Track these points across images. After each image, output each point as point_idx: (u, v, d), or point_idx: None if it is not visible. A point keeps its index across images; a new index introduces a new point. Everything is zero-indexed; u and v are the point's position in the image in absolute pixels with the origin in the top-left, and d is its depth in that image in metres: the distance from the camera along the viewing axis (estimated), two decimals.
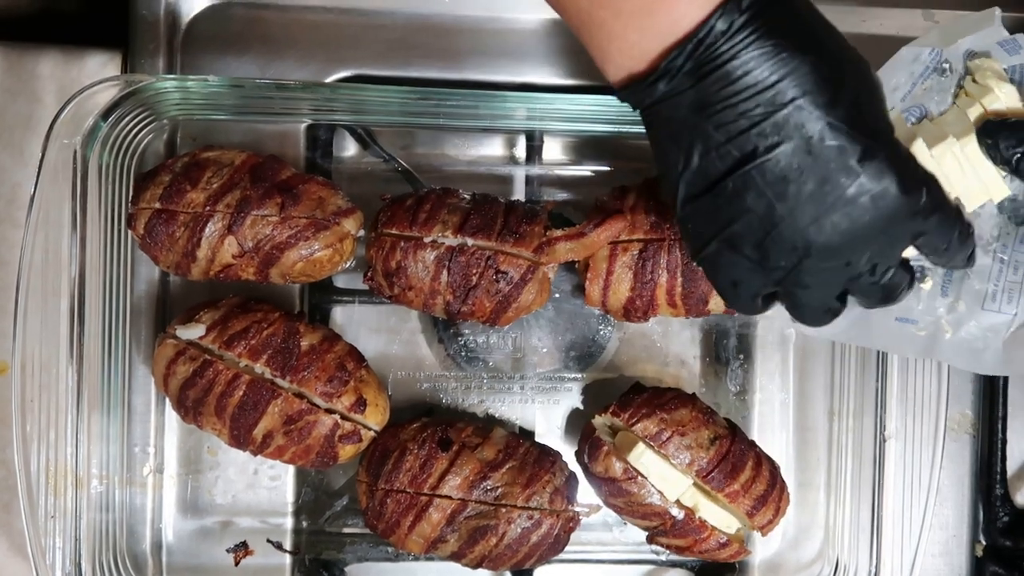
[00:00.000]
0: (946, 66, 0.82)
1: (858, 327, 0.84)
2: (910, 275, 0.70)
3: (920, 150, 0.80)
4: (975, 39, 0.81)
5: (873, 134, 0.63)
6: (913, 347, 0.85)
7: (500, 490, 0.88)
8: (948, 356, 0.84)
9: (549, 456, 0.92)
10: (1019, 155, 0.78)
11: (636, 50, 0.63)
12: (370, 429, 0.90)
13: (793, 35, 0.61)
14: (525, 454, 0.91)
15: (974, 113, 0.81)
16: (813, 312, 0.69)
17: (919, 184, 0.64)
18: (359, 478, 0.92)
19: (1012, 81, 0.81)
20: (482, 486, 0.88)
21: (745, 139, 0.62)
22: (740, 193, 0.63)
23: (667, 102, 0.64)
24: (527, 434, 0.99)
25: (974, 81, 0.81)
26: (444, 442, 0.90)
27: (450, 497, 0.88)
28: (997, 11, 0.80)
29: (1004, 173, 0.81)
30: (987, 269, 0.84)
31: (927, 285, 0.84)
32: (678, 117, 0.64)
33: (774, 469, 0.92)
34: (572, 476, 0.93)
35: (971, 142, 0.79)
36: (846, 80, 0.62)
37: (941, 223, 0.66)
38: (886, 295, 0.69)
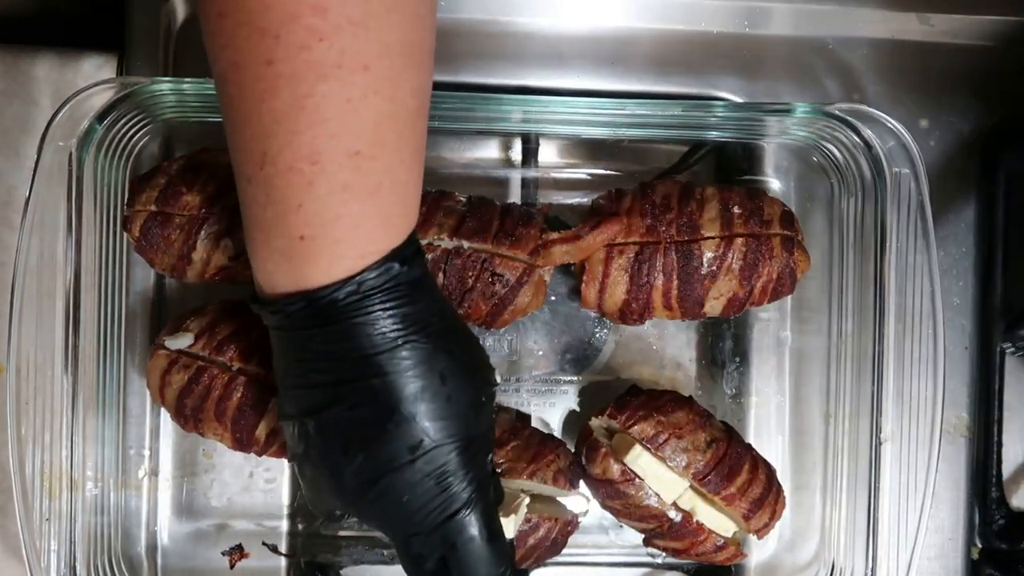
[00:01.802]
0: None
1: None
2: None
3: None
4: None
5: (439, 429, 0.67)
6: None
7: (504, 466, 0.88)
8: None
9: (554, 440, 0.92)
10: None
11: (269, 276, 0.67)
12: None
13: (403, 325, 0.66)
14: (530, 436, 0.91)
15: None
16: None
17: (459, 491, 0.69)
18: None
19: None
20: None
21: (328, 395, 0.67)
22: (315, 431, 0.69)
23: (277, 331, 0.69)
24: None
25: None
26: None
27: None
28: None
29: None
30: None
31: None
32: (285, 345, 0.69)
33: (770, 473, 0.92)
34: (576, 462, 0.93)
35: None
36: (427, 379, 0.68)
37: (466, 545, 0.70)
38: None
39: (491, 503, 0.72)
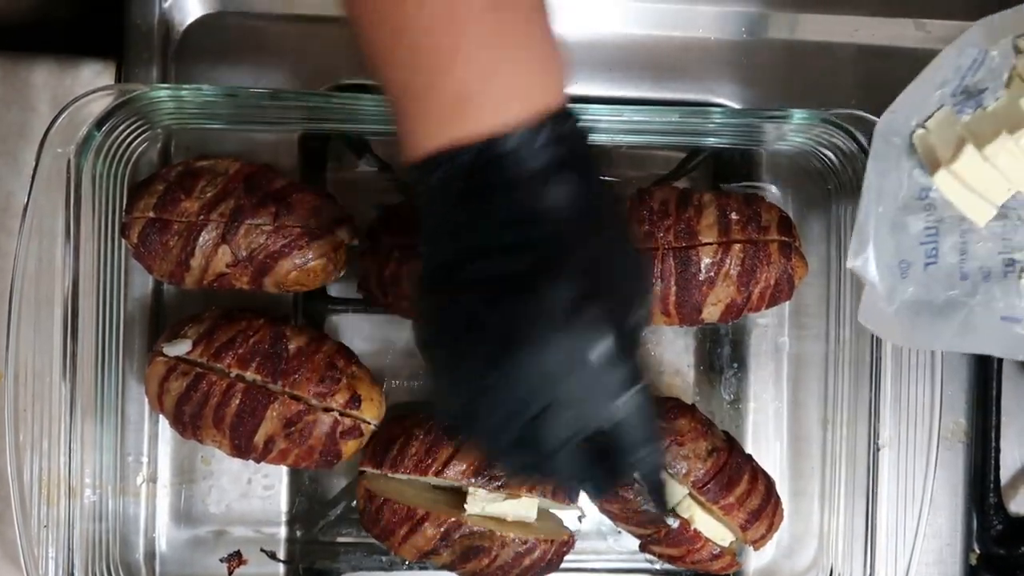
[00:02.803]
0: (995, 53, 0.79)
1: (965, 334, 0.82)
2: (583, 476, 0.69)
3: (970, 157, 0.78)
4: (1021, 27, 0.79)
5: (606, 290, 0.63)
6: (1022, 347, 0.82)
7: (504, 478, 0.88)
8: None
9: None
10: None
11: (429, 139, 0.63)
12: (368, 423, 0.90)
13: (570, 177, 0.63)
14: None
15: None
16: (490, 440, 0.68)
17: (622, 360, 0.63)
18: (361, 467, 0.92)
19: None
20: (486, 473, 0.88)
21: (488, 247, 0.63)
22: (465, 291, 0.64)
23: (437, 189, 0.64)
24: None
25: None
26: (450, 429, 0.90)
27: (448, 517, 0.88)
28: None
29: None
30: None
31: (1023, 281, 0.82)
32: (444, 206, 0.65)
33: (770, 484, 0.92)
34: None
35: None
36: (596, 234, 0.64)
37: (630, 420, 0.65)
38: (549, 472, 0.69)
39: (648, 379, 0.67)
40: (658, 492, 0.72)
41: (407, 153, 0.66)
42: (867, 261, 0.80)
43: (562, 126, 0.63)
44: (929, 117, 0.81)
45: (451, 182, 0.63)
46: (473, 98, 0.61)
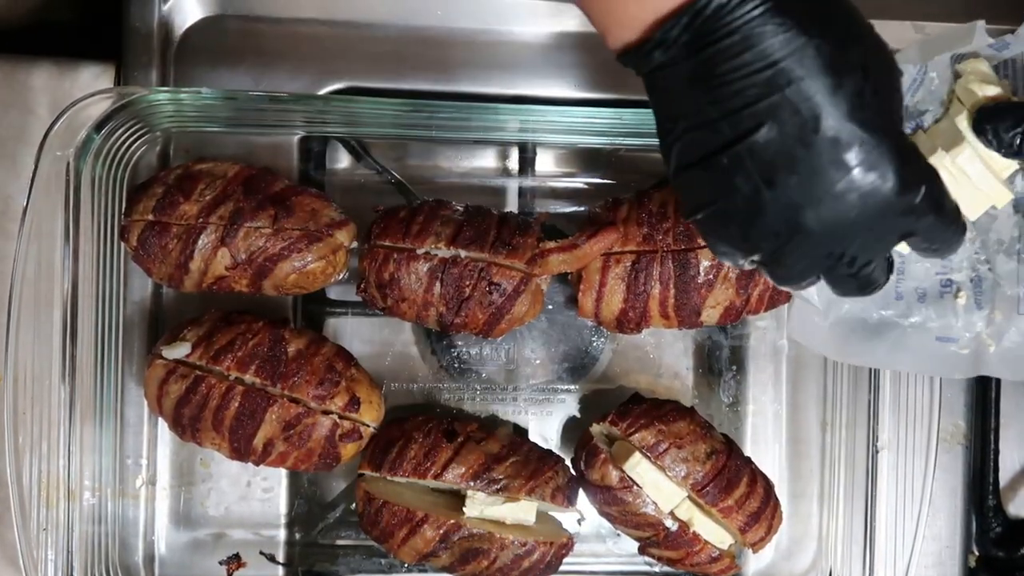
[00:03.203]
0: (933, 75, 0.81)
1: (896, 352, 0.82)
2: (888, 272, 0.69)
3: None
4: (959, 48, 0.80)
5: (873, 126, 0.60)
6: (958, 367, 0.83)
7: (503, 482, 0.88)
8: (996, 370, 0.82)
9: (553, 456, 0.93)
10: (1019, 136, 0.76)
11: (634, 20, 0.62)
12: (367, 426, 0.90)
13: (802, 13, 0.59)
14: (529, 452, 0.91)
15: (963, 122, 0.80)
16: (790, 285, 0.68)
17: (918, 183, 0.62)
18: (360, 470, 0.92)
19: (1005, 77, 0.80)
20: (485, 477, 0.88)
21: (738, 117, 0.60)
22: (729, 172, 0.62)
23: (663, 72, 0.62)
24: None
25: (964, 88, 0.81)
26: (449, 432, 0.90)
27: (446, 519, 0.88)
28: (980, 24, 0.79)
29: (1007, 173, 0.78)
30: (1015, 273, 0.82)
31: (961, 300, 0.83)
32: (674, 88, 0.62)
33: (768, 487, 0.92)
34: (574, 479, 0.93)
35: (962, 152, 0.78)
36: (853, 67, 0.60)
37: (935, 224, 0.65)
38: (860, 287, 0.68)
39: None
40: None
41: (619, 44, 0.64)
42: None
43: None
44: None
45: (675, 61, 0.61)
46: None
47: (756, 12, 0.58)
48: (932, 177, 0.64)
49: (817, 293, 0.82)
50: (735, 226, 0.64)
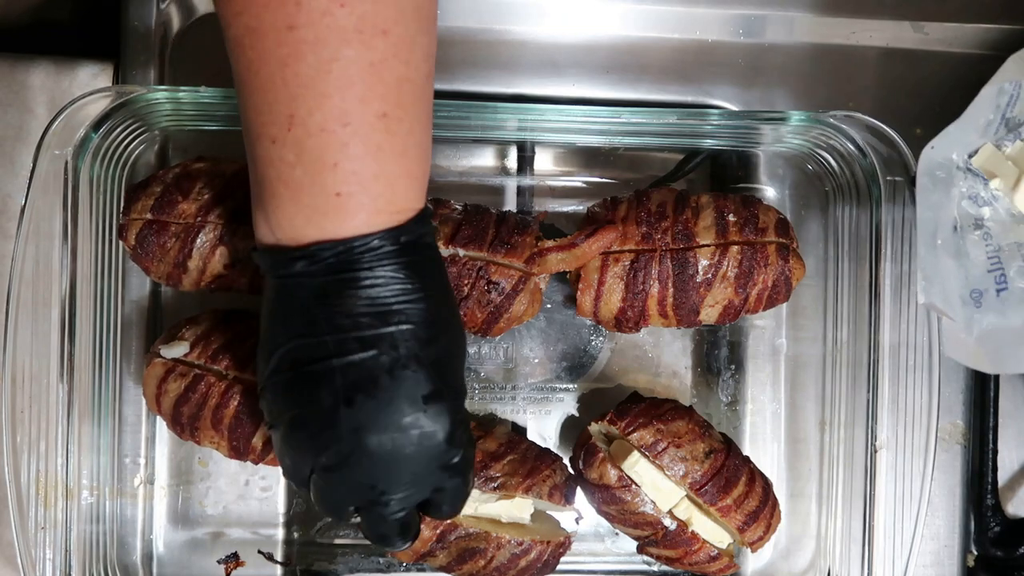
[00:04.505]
0: None
1: (1007, 351, 0.83)
2: (417, 525, 0.78)
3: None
4: None
5: (450, 383, 0.70)
6: None
7: (500, 479, 0.88)
8: None
9: (551, 455, 0.92)
10: None
11: (295, 229, 0.67)
12: None
13: (426, 279, 0.68)
14: (527, 450, 0.91)
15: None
16: (329, 507, 0.74)
17: (462, 442, 0.71)
18: None
19: None
20: (482, 474, 0.88)
21: (345, 337, 0.67)
22: (318, 383, 0.68)
23: (297, 280, 0.68)
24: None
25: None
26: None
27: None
28: None
29: None
30: None
31: None
32: (300, 297, 0.68)
33: (767, 486, 0.92)
34: (572, 477, 0.93)
35: None
36: (445, 333, 0.70)
37: (459, 488, 0.74)
38: (385, 532, 0.75)
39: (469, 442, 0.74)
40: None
41: (266, 237, 0.69)
42: (937, 295, 0.83)
43: (421, 230, 0.68)
44: (974, 153, 0.84)
45: (312, 276, 0.67)
46: (351, 198, 0.65)
47: (395, 264, 0.67)
48: (471, 446, 0.74)
49: (954, 310, 0.83)
50: (306, 435, 0.70)
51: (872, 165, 0.89)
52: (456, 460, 0.71)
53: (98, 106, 0.84)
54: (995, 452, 1.00)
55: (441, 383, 0.69)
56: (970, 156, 0.85)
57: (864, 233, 0.91)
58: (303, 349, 0.68)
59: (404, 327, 0.67)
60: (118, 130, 0.88)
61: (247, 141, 0.68)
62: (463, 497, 0.75)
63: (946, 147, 0.84)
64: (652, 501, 0.88)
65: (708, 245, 0.88)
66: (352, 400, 0.67)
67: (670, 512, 0.89)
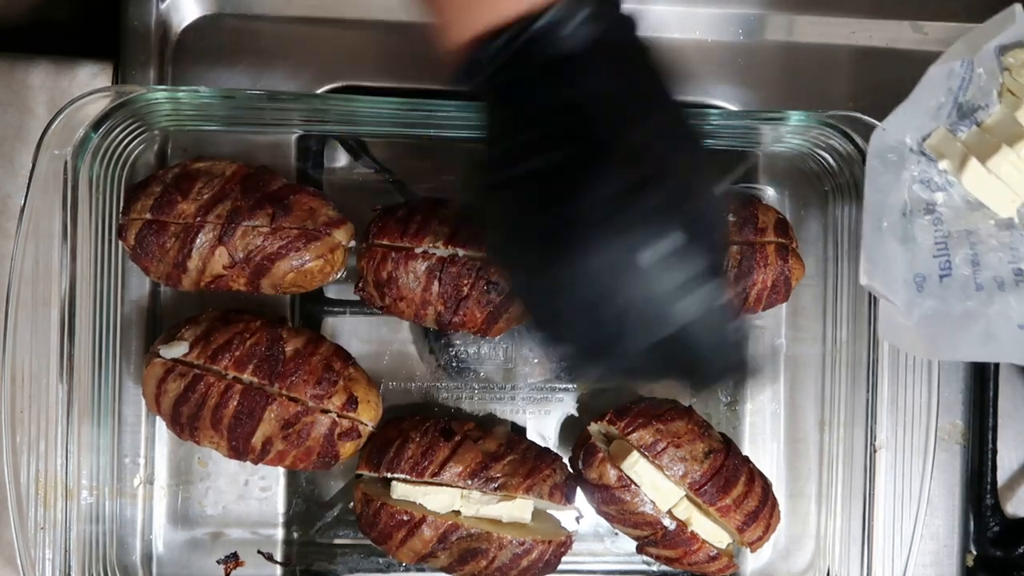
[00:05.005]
0: (980, 70, 0.81)
1: (987, 343, 0.82)
2: (672, 363, 0.64)
3: (974, 169, 0.80)
4: (1002, 38, 0.80)
5: (656, 167, 0.60)
6: None
7: (500, 480, 0.88)
8: None
9: (550, 454, 0.92)
10: None
11: (463, 26, 0.61)
12: (365, 425, 0.90)
13: (616, 51, 0.61)
14: (527, 450, 0.91)
15: (1022, 114, 0.80)
16: (577, 356, 0.65)
17: (699, 246, 0.60)
18: (358, 470, 0.92)
19: None
20: (483, 475, 0.88)
21: (534, 147, 0.60)
22: (522, 205, 0.61)
23: (483, 85, 0.62)
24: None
25: (1013, 78, 0.81)
26: (446, 432, 0.90)
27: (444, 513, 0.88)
28: (1018, 8, 0.79)
29: None
30: None
31: None
32: (490, 106, 0.63)
33: (766, 486, 0.92)
34: (572, 477, 0.93)
35: None
36: (654, 115, 0.62)
37: (707, 295, 0.61)
38: (639, 368, 0.64)
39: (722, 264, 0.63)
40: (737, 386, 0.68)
41: (447, 49, 0.63)
42: (880, 277, 0.81)
43: (601, 5, 0.60)
44: (927, 136, 0.83)
45: (492, 73, 0.61)
46: None
47: (571, 45, 0.60)
48: (717, 252, 0.63)
49: (896, 293, 0.82)
50: (519, 248, 0.63)
51: None
52: (686, 277, 0.59)
53: (97, 106, 0.84)
54: (994, 452, 1.00)
55: (645, 180, 0.58)
56: (924, 139, 0.84)
57: None
58: (498, 156, 0.62)
59: (590, 118, 0.59)
60: (117, 130, 0.88)
61: None
62: (715, 338, 0.62)
63: (898, 129, 0.83)
64: (651, 501, 0.88)
65: None
66: (543, 203, 0.60)
67: (669, 512, 0.89)
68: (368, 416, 0.90)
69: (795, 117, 0.88)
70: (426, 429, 0.90)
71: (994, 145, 0.79)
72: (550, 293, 0.61)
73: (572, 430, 0.99)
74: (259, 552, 0.97)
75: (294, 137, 0.97)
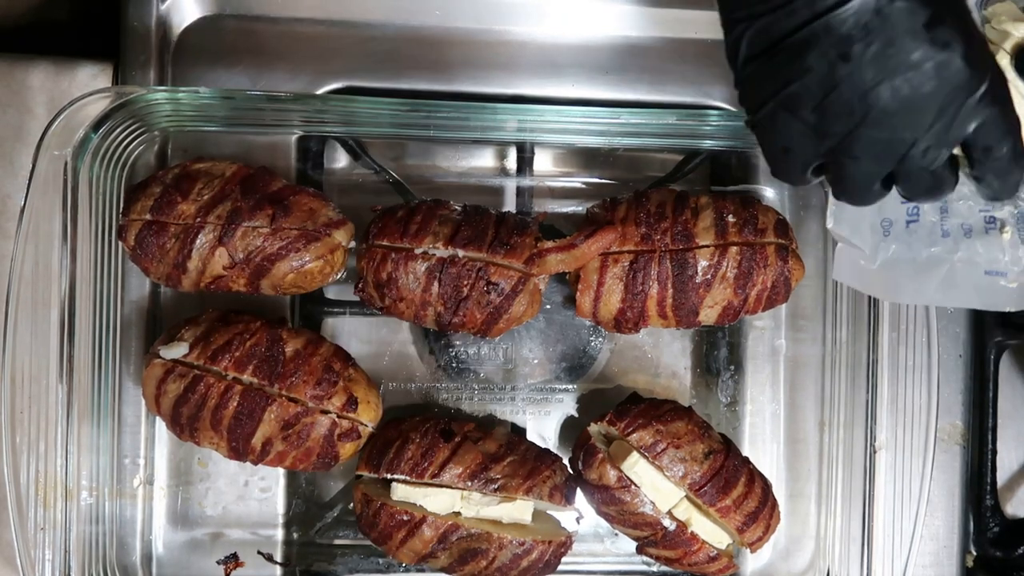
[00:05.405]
0: None
1: (947, 289, 0.83)
2: (955, 174, 0.68)
3: None
4: None
5: (945, 3, 0.62)
6: (1007, 299, 0.84)
7: (500, 481, 0.88)
8: None
9: (550, 455, 0.92)
10: None
11: None
12: (365, 426, 0.90)
13: None
14: (527, 451, 0.91)
15: (1002, 60, 0.80)
16: (858, 188, 0.68)
17: (985, 65, 0.63)
18: (357, 471, 0.92)
19: None
20: (483, 476, 0.88)
21: None
22: (803, 51, 0.62)
23: None
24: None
25: (993, 28, 0.81)
26: (446, 432, 0.90)
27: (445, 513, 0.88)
28: None
29: None
30: None
31: (1007, 236, 0.83)
32: None
33: (766, 487, 0.92)
34: (572, 477, 0.93)
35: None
36: None
37: (1000, 117, 0.65)
38: (934, 184, 0.67)
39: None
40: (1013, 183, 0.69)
41: None
42: (847, 222, 0.82)
43: None
44: None
45: None
46: None
47: None
48: (999, 69, 0.65)
49: (862, 238, 0.82)
50: (806, 110, 0.64)
51: None
52: (984, 88, 0.63)
53: (97, 107, 0.84)
54: (994, 452, 1.01)
55: (938, 4, 0.61)
56: None
57: None
58: (773, 23, 0.63)
59: None
60: (117, 131, 0.88)
61: None
62: (1005, 129, 0.65)
63: None
64: (651, 502, 0.88)
65: (707, 246, 0.88)
66: (847, 55, 0.62)
67: (669, 513, 0.89)
68: (368, 417, 0.90)
69: None
70: (426, 430, 0.90)
71: None
72: (857, 122, 0.64)
73: (572, 431, 0.99)
74: (259, 553, 0.97)
75: (294, 138, 0.97)
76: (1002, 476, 1.02)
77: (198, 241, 0.86)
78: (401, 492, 0.88)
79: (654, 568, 1.00)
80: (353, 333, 0.99)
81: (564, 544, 0.91)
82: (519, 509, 0.89)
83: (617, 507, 0.89)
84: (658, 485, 0.88)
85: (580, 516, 0.94)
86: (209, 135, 0.94)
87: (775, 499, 0.93)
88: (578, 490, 0.93)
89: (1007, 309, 0.84)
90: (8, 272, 0.82)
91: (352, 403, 0.88)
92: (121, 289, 0.93)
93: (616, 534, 0.98)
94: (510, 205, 0.99)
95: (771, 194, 1.00)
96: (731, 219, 0.89)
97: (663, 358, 1.02)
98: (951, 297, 0.84)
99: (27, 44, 0.98)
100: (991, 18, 0.81)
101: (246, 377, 0.87)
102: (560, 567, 0.92)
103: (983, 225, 0.83)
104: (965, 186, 0.82)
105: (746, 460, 0.93)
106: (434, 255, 0.87)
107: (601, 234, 0.88)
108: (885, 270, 0.84)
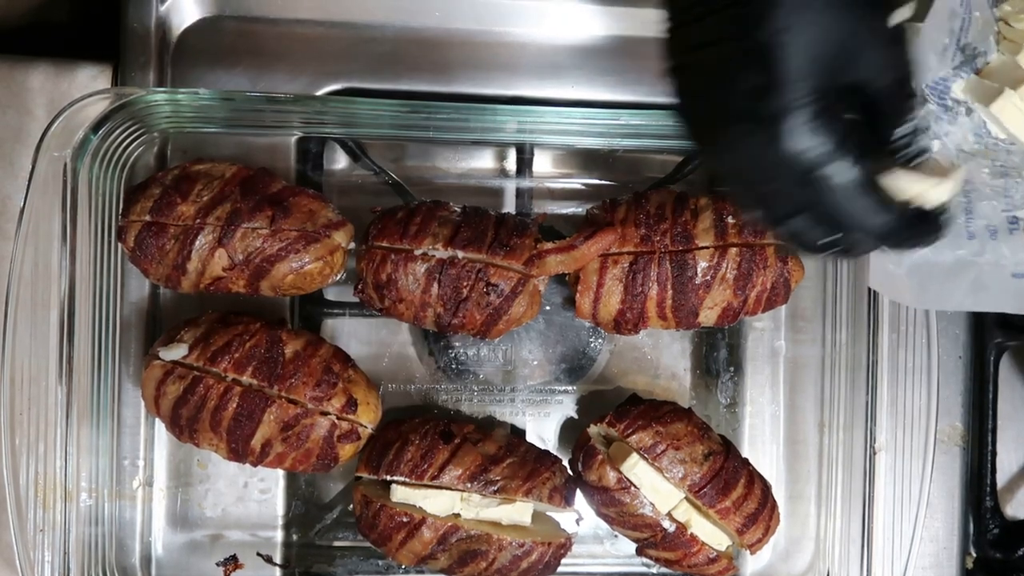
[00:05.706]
0: (977, 14, 0.80)
1: (976, 292, 0.82)
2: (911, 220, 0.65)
3: (1007, 99, 0.80)
4: None
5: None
6: None
7: (500, 483, 0.88)
8: None
9: (550, 457, 0.92)
10: None
11: None
12: (364, 427, 0.90)
13: None
14: (526, 452, 0.91)
15: (1021, 60, 0.80)
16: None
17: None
18: (357, 472, 0.92)
19: None
20: (482, 478, 0.88)
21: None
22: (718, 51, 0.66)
23: None
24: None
25: (1008, 25, 0.81)
26: (446, 434, 0.90)
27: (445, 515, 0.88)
28: None
29: None
30: None
31: None
32: None
33: (766, 488, 0.92)
34: (572, 479, 0.93)
35: None
36: None
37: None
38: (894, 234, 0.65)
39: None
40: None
41: None
42: None
43: None
44: (940, 82, 0.83)
45: None
46: None
47: None
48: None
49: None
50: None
51: None
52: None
53: (97, 108, 0.84)
54: (994, 454, 1.01)
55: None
56: (936, 84, 0.83)
57: None
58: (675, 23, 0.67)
59: None
60: (117, 132, 0.88)
61: None
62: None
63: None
64: (651, 503, 0.88)
65: (707, 247, 0.88)
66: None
67: (669, 514, 0.89)
68: (367, 418, 0.90)
69: None
70: (425, 432, 0.90)
71: (996, 91, 0.79)
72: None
73: (572, 432, 0.99)
74: (258, 554, 0.97)
75: (294, 139, 0.97)
76: (1002, 478, 1.02)
77: (197, 242, 0.86)
78: (401, 494, 0.88)
79: (654, 570, 1.00)
80: (353, 334, 0.99)
81: (564, 545, 0.91)
82: (519, 511, 0.89)
83: (617, 508, 0.89)
84: (658, 486, 0.88)
85: (580, 517, 0.94)
86: (209, 136, 0.94)
87: (775, 500, 0.93)
88: (578, 491, 0.93)
89: None
90: (8, 273, 0.82)
91: (352, 404, 0.88)
92: (120, 290, 0.93)
93: (616, 536, 0.98)
94: (510, 206, 0.99)
95: None
96: (731, 220, 0.89)
97: (663, 359, 1.02)
98: (981, 301, 0.84)
99: (27, 45, 0.98)
100: (1006, 17, 0.81)
101: (246, 378, 0.87)
102: (560, 568, 0.92)
103: (1007, 226, 0.83)
104: (988, 186, 0.82)
105: (746, 461, 0.93)
106: (434, 256, 0.87)
107: (601, 235, 0.88)
108: (913, 275, 0.83)
